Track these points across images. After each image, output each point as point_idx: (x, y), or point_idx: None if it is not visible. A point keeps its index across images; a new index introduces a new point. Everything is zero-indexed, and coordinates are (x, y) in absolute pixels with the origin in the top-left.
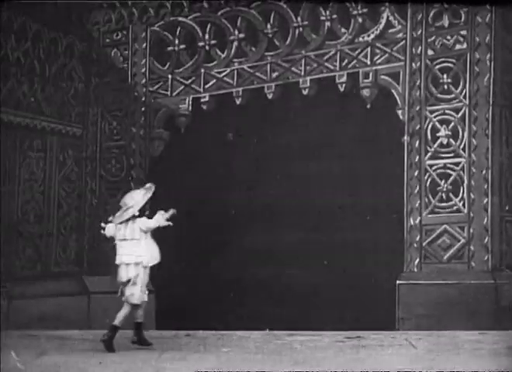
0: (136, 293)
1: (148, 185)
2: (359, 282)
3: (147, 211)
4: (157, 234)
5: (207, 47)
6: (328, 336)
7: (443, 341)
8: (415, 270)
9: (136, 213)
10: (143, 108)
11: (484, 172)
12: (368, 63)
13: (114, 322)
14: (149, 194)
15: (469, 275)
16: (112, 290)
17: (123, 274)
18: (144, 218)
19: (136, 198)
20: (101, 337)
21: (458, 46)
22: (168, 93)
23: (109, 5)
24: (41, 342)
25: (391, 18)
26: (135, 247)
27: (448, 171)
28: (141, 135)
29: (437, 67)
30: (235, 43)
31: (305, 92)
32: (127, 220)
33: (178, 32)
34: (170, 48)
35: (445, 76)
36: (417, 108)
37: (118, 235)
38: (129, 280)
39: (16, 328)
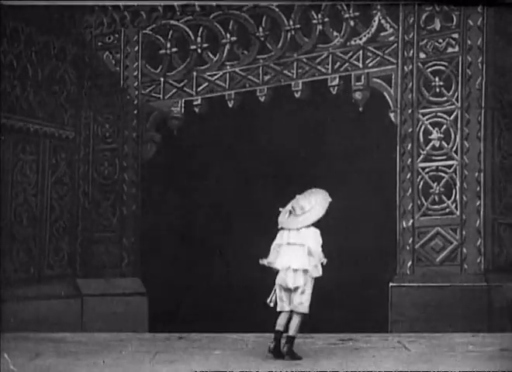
0: (306, 302)
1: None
2: (352, 284)
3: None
4: (151, 236)
5: (199, 50)
6: (321, 339)
7: (436, 343)
8: (408, 272)
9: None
10: (135, 111)
11: (476, 174)
12: (360, 66)
13: (290, 333)
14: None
15: (462, 277)
16: (105, 292)
17: (290, 280)
18: (318, 233)
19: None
20: (283, 351)
21: (449, 49)
22: (161, 96)
23: (101, 8)
24: (34, 344)
25: (383, 21)
26: (303, 253)
27: (441, 174)
28: (134, 138)
29: (429, 70)
30: (227, 46)
31: (297, 95)
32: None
33: (170, 36)
34: (162, 51)
35: (437, 79)
36: (409, 110)
37: (285, 238)
38: (296, 288)
39: (9, 330)
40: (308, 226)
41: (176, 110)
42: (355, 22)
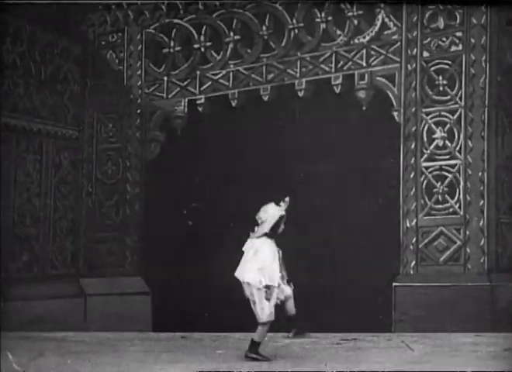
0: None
1: (286, 199)
2: (355, 284)
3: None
4: (154, 236)
5: (203, 49)
6: (324, 338)
7: (439, 343)
8: (411, 272)
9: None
10: (138, 111)
11: (480, 174)
12: (364, 64)
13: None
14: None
15: (465, 277)
16: (108, 292)
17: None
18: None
19: (270, 211)
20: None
21: (453, 48)
22: (164, 95)
23: (105, 7)
24: (38, 344)
25: (386, 19)
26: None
27: (444, 173)
28: (137, 137)
29: (433, 68)
30: (230, 45)
31: (300, 94)
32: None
33: (173, 34)
34: (165, 50)
35: (441, 77)
36: (413, 109)
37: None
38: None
39: (13, 330)
40: (259, 237)
41: (179, 109)
42: (359, 21)
